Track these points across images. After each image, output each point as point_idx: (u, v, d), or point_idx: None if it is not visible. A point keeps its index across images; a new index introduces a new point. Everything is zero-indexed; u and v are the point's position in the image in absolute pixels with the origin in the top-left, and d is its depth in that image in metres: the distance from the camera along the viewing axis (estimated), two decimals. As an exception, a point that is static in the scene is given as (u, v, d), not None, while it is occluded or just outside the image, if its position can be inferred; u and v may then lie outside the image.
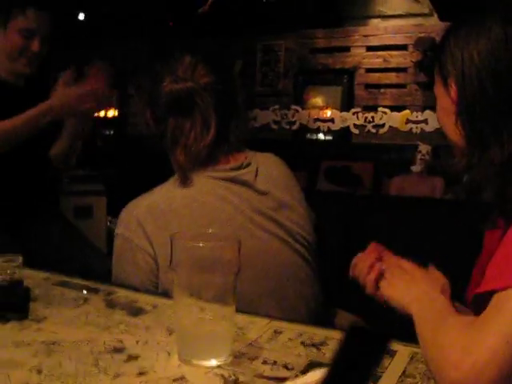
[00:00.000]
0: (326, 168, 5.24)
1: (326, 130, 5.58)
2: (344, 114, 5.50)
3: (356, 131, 5.47)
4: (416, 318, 0.89)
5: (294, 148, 5.24)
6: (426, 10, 5.12)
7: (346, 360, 0.65)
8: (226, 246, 0.84)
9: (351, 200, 3.51)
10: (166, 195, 1.28)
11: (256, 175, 1.32)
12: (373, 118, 5.39)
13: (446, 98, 0.99)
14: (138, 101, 1.45)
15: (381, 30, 5.38)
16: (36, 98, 2.14)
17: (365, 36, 5.46)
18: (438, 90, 1.02)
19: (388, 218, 2.35)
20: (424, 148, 4.89)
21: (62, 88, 2.09)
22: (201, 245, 0.83)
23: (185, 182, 1.26)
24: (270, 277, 1.24)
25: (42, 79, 2.36)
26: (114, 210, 4.90)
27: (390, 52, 5.33)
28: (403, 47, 5.26)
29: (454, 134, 0.98)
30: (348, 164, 5.31)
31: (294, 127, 5.67)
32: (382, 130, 5.38)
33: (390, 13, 5.31)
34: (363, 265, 1.04)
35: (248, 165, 1.32)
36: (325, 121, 5.57)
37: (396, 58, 5.31)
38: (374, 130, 5.40)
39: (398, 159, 5.21)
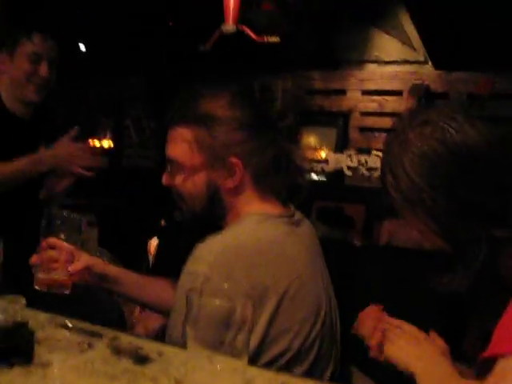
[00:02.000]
0: (318, 208, 5.27)
1: (319, 170, 5.63)
2: (338, 155, 5.56)
3: (349, 173, 5.52)
4: (420, 379, 0.91)
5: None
6: (422, 58, 5.23)
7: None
8: (241, 304, 0.84)
9: (344, 247, 3.54)
10: (249, 239, 1.27)
11: None
12: (366, 161, 5.45)
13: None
14: None
15: (377, 75, 5.48)
16: (41, 131, 2.16)
17: (361, 80, 5.56)
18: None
19: (383, 268, 2.35)
20: (416, 193, 4.94)
21: (65, 141, 2.12)
22: (217, 303, 0.84)
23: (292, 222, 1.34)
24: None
25: (48, 113, 2.38)
26: (105, 241, 4.90)
27: (385, 97, 5.42)
28: (398, 93, 5.35)
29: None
30: (340, 205, 5.34)
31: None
32: (375, 174, 5.44)
33: (386, 59, 5.42)
34: (365, 328, 1.06)
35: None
36: (319, 161, 5.62)
37: (391, 103, 5.40)
38: (367, 173, 5.45)
39: (390, 203, 5.25)
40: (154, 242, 4.59)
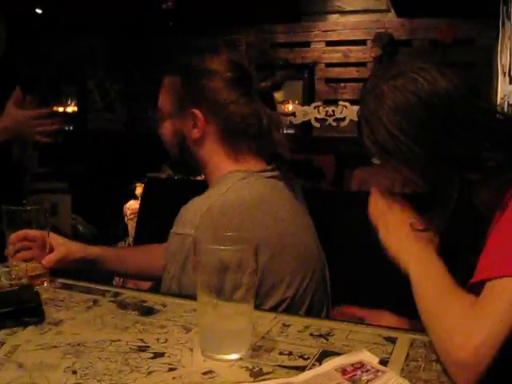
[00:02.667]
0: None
1: (287, 123, 5.67)
2: (305, 107, 5.61)
3: (317, 125, 5.59)
4: (414, 280, 0.98)
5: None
6: (384, 7, 5.27)
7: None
8: (245, 250, 0.90)
9: (317, 195, 3.60)
10: (233, 195, 1.30)
11: None
12: (333, 111, 5.52)
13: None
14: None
15: (340, 25, 5.51)
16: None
17: (324, 31, 5.58)
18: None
19: (353, 213, 2.41)
20: (384, 140, 5.03)
21: (13, 109, 2.04)
22: (222, 248, 0.90)
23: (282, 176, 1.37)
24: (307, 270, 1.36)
25: (7, 73, 2.33)
26: (78, 208, 4.89)
27: (349, 47, 5.46)
28: (362, 42, 5.40)
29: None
30: (310, 157, 5.42)
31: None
32: (342, 124, 5.52)
33: (348, 8, 5.44)
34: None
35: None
36: (286, 115, 5.66)
37: (355, 53, 5.45)
38: (334, 124, 5.53)
39: (359, 152, 5.34)
40: (129, 206, 4.61)
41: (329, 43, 5.55)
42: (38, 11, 5.62)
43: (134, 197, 4.74)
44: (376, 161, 4.33)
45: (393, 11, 5.22)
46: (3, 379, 0.84)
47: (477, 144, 1.01)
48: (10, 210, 1.34)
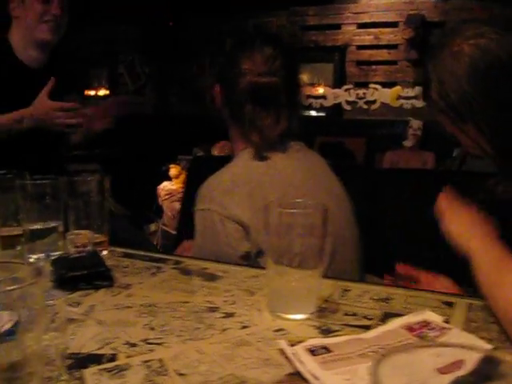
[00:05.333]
0: (320, 144, 5.36)
1: (318, 106, 5.69)
2: (336, 90, 5.61)
3: (348, 107, 5.59)
4: (476, 254, 1.00)
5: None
6: (417, -12, 5.22)
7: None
8: (315, 213, 0.94)
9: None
10: (244, 167, 1.42)
11: None
12: (364, 94, 5.51)
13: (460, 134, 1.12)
14: (207, 75, 1.56)
15: (372, 7, 5.47)
16: (58, 81, 2.16)
17: (355, 13, 5.56)
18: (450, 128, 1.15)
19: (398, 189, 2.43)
20: (415, 123, 5.03)
21: (43, 97, 2.11)
22: (294, 211, 0.94)
23: (262, 156, 1.38)
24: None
25: (64, 61, 2.39)
26: (111, 191, 4.97)
27: (380, 29, 5.43)
28: (394, 24, 5.37)
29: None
30: (340, 140, 5.44)
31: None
32: (373, 106, 5.51)
33: (380, -10, 5.41)
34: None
35: None
36: (317, 97, 5.67)
37: (387, 35, 5.41)
38: (365, 106, 5.53)
39: (390, 134, 5.35)
40: (163, 187, 4.69)
41: (360, 25, 5.53)
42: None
43: (168, 178, 4.83)
44: (407, 143, 4.36)
45: (426, -8, 5.19)
46: (87, 334, 0.90)
47: None
48: (72, 180, 1.40)
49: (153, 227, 4.77)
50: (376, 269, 1.57)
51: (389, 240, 2.06)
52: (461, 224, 1.08)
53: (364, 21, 5.51)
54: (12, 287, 0.62)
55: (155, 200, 4.85)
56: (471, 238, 1.03)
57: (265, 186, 1.38)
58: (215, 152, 4.87)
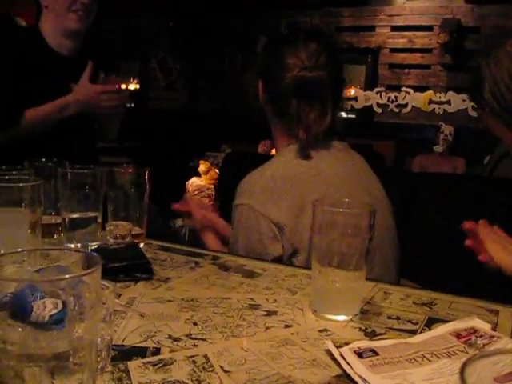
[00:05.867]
0: (350, 145, 5.32)
1: (349, 108, 5.65)
2: (368, 92, 5.58)
3: (379, 110, 5.55)
4: None
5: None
6: (453, -8, 5.16)
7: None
8: (362, 214, 0.93)
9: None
10: (286, 165, 1.41)
11: None
12: (396, 97, 5.47)
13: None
14: (250, 71, 1.57)
15: (406, 10, 5.43)
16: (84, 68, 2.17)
17: (390, 16, 5.51)
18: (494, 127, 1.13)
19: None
20: (446, 128, 4.98)
21: (85, 82, 2.12)
22: (341, 210, 0.93)
23: (305, 155, 1.37)
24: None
25: (95, 49, 2.39)
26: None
27: (415, 32, 5.38)
28: (428, 28, 5.31)
29: None
30: (370, 142, 5.39)
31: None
32: (404, 110, 5.46)
33: (415, -7, 5.36)
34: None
35: None
36: (348, 99, 5.64)
37: (421, 39, 5.36)
38: (396, 110, 5.48)
39: (420, 139, 5.30)
40: (191, 183, 4.69)
41: (394, 28, 5.48)
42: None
43: (195, 174, 4.82)
44: (438, 148, 4.33)
45: (462, -3, 5.12)
46: (129, 326, 0.90)
47: None
48: (112, 171, 1.40)
49: (179, 222, 4.77)
50: (407, 272, 1.56)
51: (420, 244, 2.04)
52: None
53: (398, 24, 5.46)
54: (63, 276, 0.61)
55: (182, 195, 4.84)
56: None
57: (304, 185, 1.38)
58: (260, 150, 4.89)
